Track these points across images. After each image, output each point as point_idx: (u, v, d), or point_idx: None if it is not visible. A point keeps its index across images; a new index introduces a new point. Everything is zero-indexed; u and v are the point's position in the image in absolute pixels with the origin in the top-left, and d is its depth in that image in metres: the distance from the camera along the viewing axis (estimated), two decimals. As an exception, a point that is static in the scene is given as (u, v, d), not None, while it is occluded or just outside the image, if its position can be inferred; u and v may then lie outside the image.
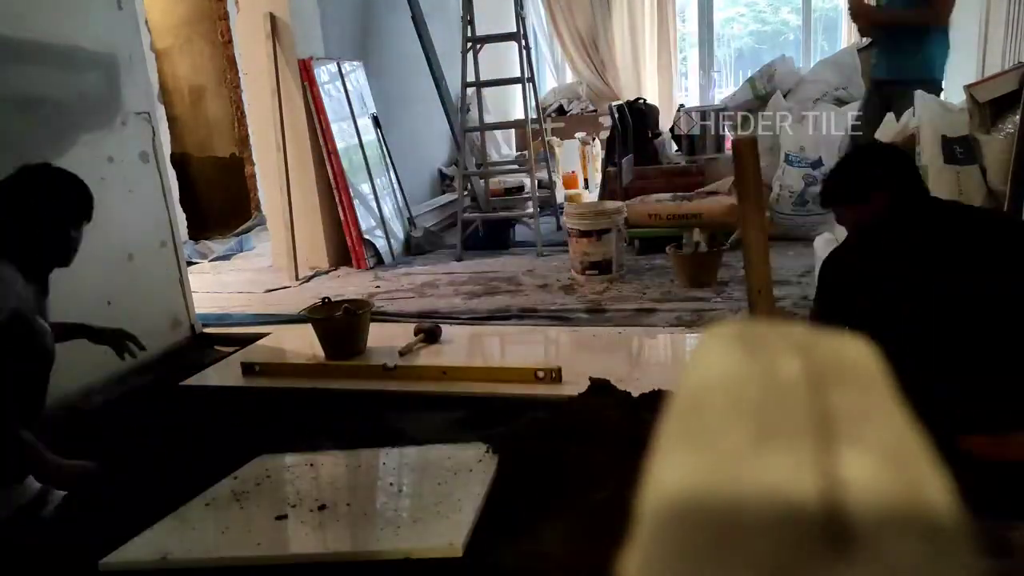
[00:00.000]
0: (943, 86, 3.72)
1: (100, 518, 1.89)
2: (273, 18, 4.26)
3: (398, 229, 4.91)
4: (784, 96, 5.17)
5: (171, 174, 4.52)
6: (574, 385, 2.39)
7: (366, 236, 4.55)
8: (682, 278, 3.64)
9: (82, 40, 2.84)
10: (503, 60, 5.71)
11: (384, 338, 3.08)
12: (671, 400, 0.28)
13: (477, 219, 4.92)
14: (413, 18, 5.04)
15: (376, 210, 4.70)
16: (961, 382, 1.49)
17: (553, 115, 7.38)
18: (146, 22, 5.38)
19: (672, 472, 0.24)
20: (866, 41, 4.28)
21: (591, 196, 5.83)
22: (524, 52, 4.85)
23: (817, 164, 4.42)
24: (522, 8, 5.16)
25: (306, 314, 3.04)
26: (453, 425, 2.33)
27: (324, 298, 3.12)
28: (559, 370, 2.52)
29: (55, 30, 2.72)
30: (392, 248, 4.73)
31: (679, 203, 4.31)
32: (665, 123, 6.34)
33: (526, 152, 5.15)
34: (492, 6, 5.92)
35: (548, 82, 8.10)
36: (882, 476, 0.23)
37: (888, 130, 3.21)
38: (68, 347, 2.65)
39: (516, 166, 6.02)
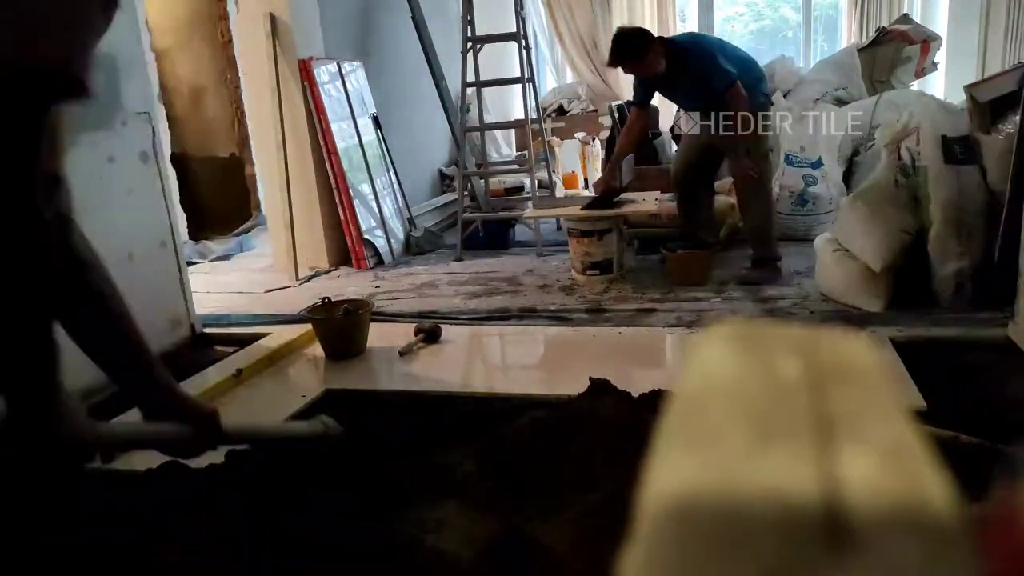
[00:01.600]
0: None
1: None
2: (273, 18, 4.26)
3: (398, 229, 4.91)
4: (784, 96, 5.17)
5: (171, 174, 4.52)
6: (574, 385, 2.39)
7: (366, 236, 4.55)
8: (674, 277, 3.67)
9: (82, 40, 2.84)
10: (503, 60, 5.71)
11: (384, 338, 3.08)
12: (671, 400, 0.28)
13: (477, 219, 4.92)
14: (413, 18, 5.04)
15: (376, 210, 4.70)
16: None
17: (553, 115, 7.38)
18: (146, 22, 5.38)
19: (672, 472, 0.24)
20: (866, 41, 4.28)
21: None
22: (524, 52, 4.85)
23: (817, 164, 4.43)
24: (522, 8, 5.16)
25: (306, 314, 3.04)
26: (453, 424, 2.33)
27: (324, 298, 3.12)
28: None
29: (55, 30, 2.72)
30: (392, 248, 4.73)
31: (679, 203, 4.30)
32: (665, 123, 6.34)
33: (526, 152, 5.15)
34: (492, 6, 5.91)
35: (548, 82, 8.10)
36: (882, 476, 0.23)
37: (888, 130, 3.22)
38: (66, 347, 2.64)
39: (516, 166, 6.01)
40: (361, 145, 4.67)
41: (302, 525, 1.74)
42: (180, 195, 5.44)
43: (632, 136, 4.02)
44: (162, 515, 1.77)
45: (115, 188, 2.94)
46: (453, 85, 5.25)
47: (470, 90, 5.03)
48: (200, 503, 1.81)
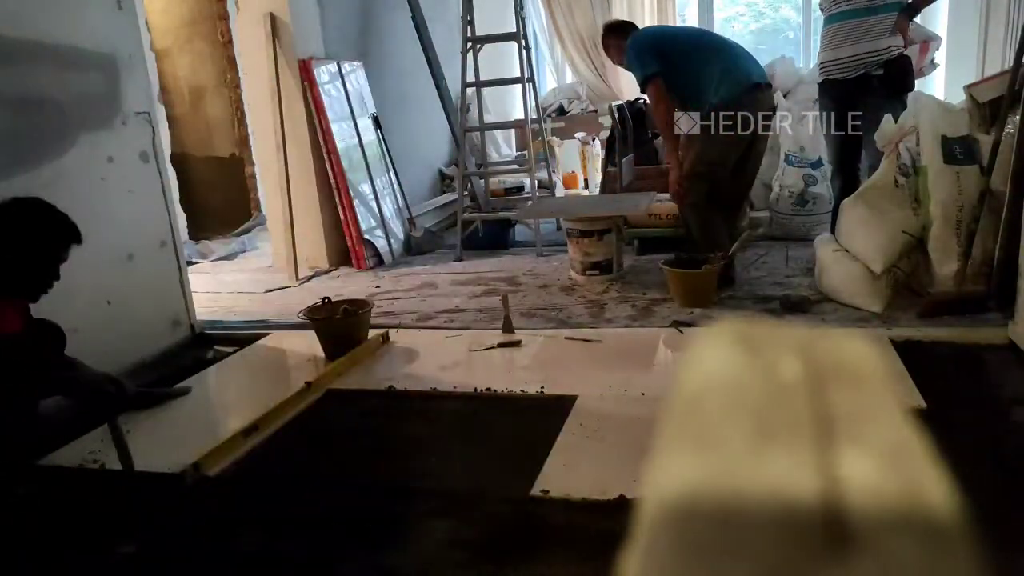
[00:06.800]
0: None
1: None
2: (273, 18, 4.26)
3: (398, 229, 4.91)
4: (784, 96, 5.16)
5: (171, 174, 4.52)
6: (573, 386, 2.39)
7: (366, 236, 4.55)
8: (678, 298, 3.34)
9: (82, 40, 2.84)
10: (503, 60, 5.70)
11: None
12: (671, 400, 0.28)
13: (477, 219, 4.92)
14: (413, 18, 5.04)
15: (376, 210, 4.70)
16: None
17: (553, 115, 7.37)
18: (146, 22, 5.38)
19: (672, 472, 0.24)
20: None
21: (591, 196, 5.83)
22: (524, 52, 4.85)
23: (817, 164, 4.42)
24: (522, 8, 5.16)
25: (305, 315, 3.03)
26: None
27: (324, 298, 3.12)
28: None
29: (55, 30, 2.72)
30: (392, 248, 4.73)
31: (679, 203, 4.30)
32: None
33: (526, 152, 5.14)
34: (492, 6, 5.91)
35: (548, 82, 8.09)
36: (882, 476, 0.23)
37: (887, 131, 3.21)
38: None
39: (516, 166, 6.01)
40: (361, 145, 4.67)
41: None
42: (180, 195, 5.44)
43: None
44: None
45: (115, 188, 2.94)
46: (453, 85, 5.25)
47: (470, 90, 5.03)
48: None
